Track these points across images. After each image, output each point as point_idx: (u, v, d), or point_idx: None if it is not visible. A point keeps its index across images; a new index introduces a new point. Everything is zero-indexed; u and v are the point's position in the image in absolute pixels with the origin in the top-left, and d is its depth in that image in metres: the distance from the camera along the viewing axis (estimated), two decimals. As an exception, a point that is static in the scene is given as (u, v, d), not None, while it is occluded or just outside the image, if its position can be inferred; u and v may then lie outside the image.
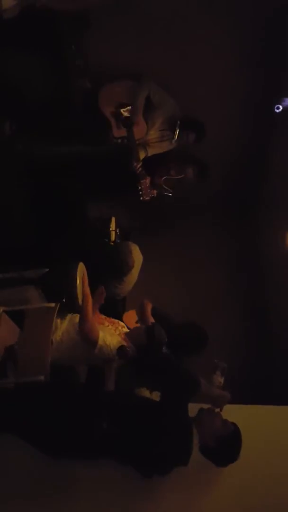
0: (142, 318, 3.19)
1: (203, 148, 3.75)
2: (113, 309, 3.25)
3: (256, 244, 4.25)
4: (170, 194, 3.65)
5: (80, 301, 2.81)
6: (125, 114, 3.41)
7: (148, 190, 3.47)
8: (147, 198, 3.49)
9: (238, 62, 3.48)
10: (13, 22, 2.87)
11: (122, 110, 3.41)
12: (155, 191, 3.56)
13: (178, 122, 3.57)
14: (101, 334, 2.60)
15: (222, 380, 2.67)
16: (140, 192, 3.46)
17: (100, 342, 2.58)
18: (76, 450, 2.22)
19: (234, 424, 2.25)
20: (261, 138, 3.82)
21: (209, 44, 3.41)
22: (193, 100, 3.64)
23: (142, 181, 3.44)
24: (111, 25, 3.27)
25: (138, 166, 3.45)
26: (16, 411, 2.31)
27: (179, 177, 3.66)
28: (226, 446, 2.20)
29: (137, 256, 3.40)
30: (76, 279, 2.79)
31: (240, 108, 3.68)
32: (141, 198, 3.48)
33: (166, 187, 3.62)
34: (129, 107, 3.43)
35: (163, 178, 3.60)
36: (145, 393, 2.34)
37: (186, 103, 3.60)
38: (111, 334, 2.72)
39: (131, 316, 3.31)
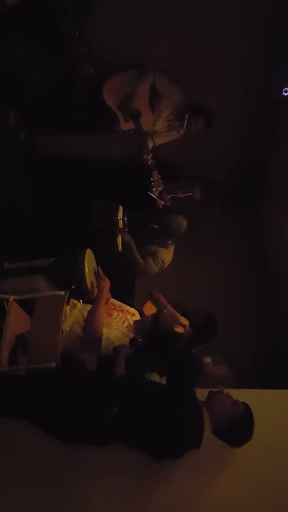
0: (159, 308, 3.18)
1: (209, 139, 3.71)
2: (121, 299, 3.24)
3: (265, 234, 4.21)
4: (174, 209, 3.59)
5: (89, 288, 2.81)
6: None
7: (160, 182, 3.43)
8: (160, 189, 3.45)
9: (244, 47, 3.42)
10: (16, 8, 2.85)
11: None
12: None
13: (187, 111, 3.53)
14: (105, 332, 2.60)
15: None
16: (152, 184, 3.42)
17: (103, 343, 2.59)
18: (87, 435, 2.23)
19: (245, 403, 2.25)
20: (268, 124, 3.76)
21: (215, 29, 3.35)
22: (199, 87, 3.59)
23: (154, 172, 3.40)
24: (115, 11, 3.23)
25: (149, 157, 3.41)
26: (28, 397, 2.32)
27: (186, 195, 3.61)
28: (239, 426, 2.20)
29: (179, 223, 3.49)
30: (84, 266, 2.79)
31: (247, 93, 3.63)
32: (153, 190, 3.44)
33: (171, 205, 3.58)
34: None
35: (169, 197, 3.56)
36: (155, 377, 2.34)
37: (192, 90, 3.57)
38: (117, 328, 2.71)
39: (150, 307, 3.31)
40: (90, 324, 2.62)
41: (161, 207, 3.48)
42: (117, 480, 2.34)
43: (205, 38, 3.36)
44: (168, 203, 3.52)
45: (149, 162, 3.40)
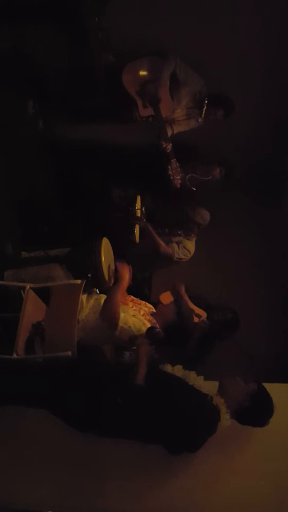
0: (177, 297, 3.14)
1: (227, 129, 3.64)
2: (139, 291, 3.21)
3: (285, 223, 4.12)
4: (194, 189, 3.55)
5: (106, 277, 2.78)
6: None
7: (179, 170, 3.39)
8: (178, 178, 3.41)
9: (266, 34, 3.33)
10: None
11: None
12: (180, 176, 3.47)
13: (206, 100, 3.47)
14: (122, 315, 2.56)
15: None
16: (170, 172, 3.38)
17: (120, 323, 2.54)
18: (95, 425, 2.21)
19: (256, 381, 2.25)
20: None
21: (237, 17, 3.27)
22: (220, 75, 3.51)
23: (172, 160, 3.36)
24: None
25: (168, 146, 3.36)
26: (44, 385, 2.30)
27: (206, 179, 3.57)
28: (259, 401, 2.19)
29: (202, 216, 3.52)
30: (100, 255, 2.76)
31: (268, 83, 3.53)
32: (171, 178, 3.40)
33: (190, 186, 3.53)
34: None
35: (189, 176, 3.51)
36: (168, 367, 2.30)
37: (212, 79, 3.49)
38: (134, 314, 2.68)
39: (167, 297, 3.28)
40: (107, 307, 2.58)
41: (178, 186, 3.41)
42: (134, 470, 2.31)
43: (226, 25, 3.29)
44: (188, 184, 3.45)
45: (168, 151, 3.34)
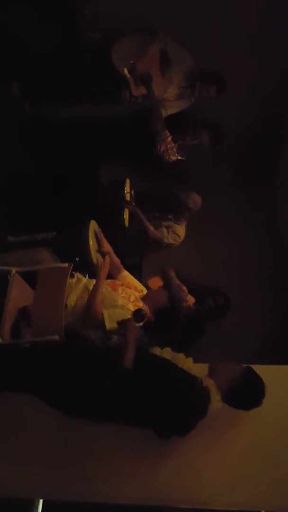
0: (168, 282, 3.10)
1: (219, 107, 3.58)
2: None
3: (276, 207, 4.08)
4: (184, 158, 3.49)
5: (94, 260, 2.72)
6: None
7: (174, 149, 3.33)
8: (174, 158, 3.35)
9: (258, 10, 3.24)
10: None
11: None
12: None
13: (198, 78, 3.41)
14: (106, 314, 2.49)
15: None
16: (163, 148, 3.31)
17: (107, 325, 2.48)
18: (83, 409, 2.17)
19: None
20: (283, 95, 3.60)
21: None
22: (210, 53, 3.43)
23: (167, 141, 3.30)
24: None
25: (163, 126, 3.30)
26: (31, 370, 2.26)
27: (194, 142, 3.52)
28: (250, 381, 2.16)
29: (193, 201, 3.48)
30: (88, 237, 2.70)
31: (261, 60, 3.45)
32: (166, 158, 3.34)
33: (180, 153, 3.47)
34: None
35: (178, 144, 3.45)
36: (156, 350, 2.26)
37: (203, 56, 3.41)
38: (122, 303, 2.62)
39: (155, 282, 3.23)
40: (89, 307, 2.52)
41: (171, 161, 3.35)
42: (123, 455, 2.27)
43: (217, 1, 3.19)
44: (178, 154, 3.39)
45: (169, 139, 3.29)
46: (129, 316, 2.49)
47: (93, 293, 2.55)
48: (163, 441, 2.18)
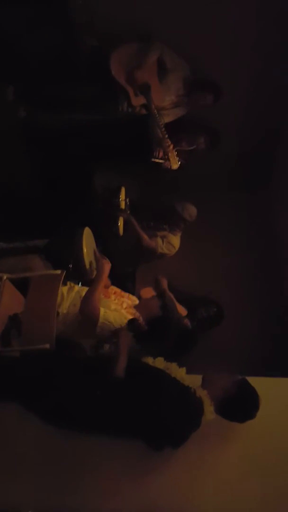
0: (159, 292, 3.07)
1: (215, 115, 3.58)
2: (122, 286, 3.12)
3: (271, 217, 4.08)
4: (184, 162, 3.49)
5: (88, 268, 2.68)
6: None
7: (176, 158, 3.35)
8: (176, 166, 3.37)
9: (255, 18, 3.25)
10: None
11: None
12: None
13: (194, 86, 3.44)
14: (102, 311, 2.47)
15: None
16: (165, 161, 3.34)
17: (101, 319, 2.45)
18: (77, 420, 2.11)
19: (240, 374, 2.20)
20: (278, 103, 3.61)
21: (225, 2, 3.18)
22: (207, 61, 3.44)
23: (169, 149, 3.32)
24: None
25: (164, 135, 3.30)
26: (20, 379, 2.20)
27: (191, 148, 3.51)
28: (244, 392, 2.12)
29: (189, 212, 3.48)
30: (82, 244, 2.66)
31: (257, 69, 3.47)
32: (168, 166, 3.37)
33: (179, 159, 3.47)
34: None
35: (175, 149, 3.44)
36: (149, 360, 2.21)
37: (199, 65, 3.43)
38: (115, 309, 2.61)
39: (148, 292, 3.20)
40: (86, 304, 2.49)
41: (176, 167, 3.37)
42: (114, 468, 2.21)
43: (214, 10, 3.18)
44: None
45: (170, 148, 3.30)
46: (124, 322, 2.47)
47: (91, 290, 2.52)
48: (155, 453, 2.13)
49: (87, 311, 2.46)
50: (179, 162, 3.36)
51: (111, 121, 3.44)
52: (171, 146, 3.31)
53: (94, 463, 2.22)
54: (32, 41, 3.08)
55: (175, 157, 3.33)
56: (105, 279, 2.65)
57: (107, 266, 2.66)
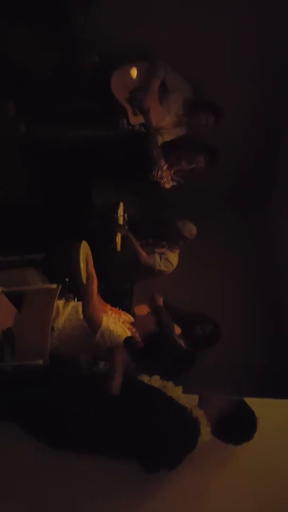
0: (157, 309, 3.03)
1: (215, 133, 3.60)
2: (119, 303, 3.09)
3: (269, 235, 4.07)
4: (181, 182, 3.49)
5: (84, 281, 2.65)
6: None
7: (170, 177, 3.34)
8: (168, 186, 3.36)
9: (254, 40, 3.30)
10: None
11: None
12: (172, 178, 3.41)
13: (196, 106, 3.45)
14: (104, 319, 2.47)
15: None
16: (159, 175, 3.32)
17: (103, 325, 2.44)
18: (70, 439, 2.05)
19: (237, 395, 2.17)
20: (277, 122, 3.64)
21: (228, 21, 3.22)
22: (208, 82, 3.46)
23: (162, 164, 3.31)
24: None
25: (163, 163, 3.31)
26: (13, 396, 2.14)
27: (190, 167, 3.52)
28: (241, 413, 2.08)
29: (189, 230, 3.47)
30: (79, 258, 2.63)
31: (256, 88, 3.50)
32: (162, 185, 3.35)
33: (177, 178, 3.47)
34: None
35: (174, 169, 3.45)
36: (145, 378, 2.16)
37: (201, 86, 3.45)
38: (114, 322, 2.58)
39: (142, 310, 3.17)
40: (89, 306, 2.48)
41: (167, 188, 3.35)
42: (109, 489, 2.14)
43: (217, 30, 3.23)
44: (174, 178, 3.40)
45: (164, 168, 3.30)
46: (124, 334, 2.44)
47: (90, 291, 2.50)
48: (149, 475, 2.06)
49: (90, 313, 2.45)
50: (173, 182, 3.36)
51: (110, 138, 3.46)
52: (165, 166, 3.30)
53: (85, 484, 2.15)
54: (34, 58, 3.11)
55: (169, 177, 3.32)
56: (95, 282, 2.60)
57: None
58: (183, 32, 3.25)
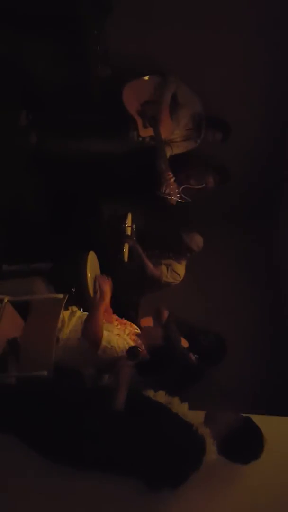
0: (161, 323, 3.00)
1: (224, 148, 3.60)
2: (125, 314, 3.06)
3: (277, 249, 4.03)
4: (190, 200, 3.48)
5: (91, 293, 2.63)
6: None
7: (177, 190, 3.33)
8: (174, 199, 3.34)
9: (268, 57, 3.33)
10: (33, 4, 2.78)
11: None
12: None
13: (205, 122, 3.46)
14: (105, 334, 2.41)
15: None
16: (166, 190, 3.32)
17: (104, 343, 2.39)
18: (73, 455, 2.00)
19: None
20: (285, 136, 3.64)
21: (239, 37, 3.25)
22: (219, 98, 3.49)
23: (170, 179, 3.30)
24: (135, 14, 3.15)
25: (170, 176, 3.30)
26: (15, 408, 2.10)
27: (200, 186, 3.50)
28: (248, 431, 2.03)
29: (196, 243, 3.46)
30: (86, 268, 2.61)
31: (266, 104, 3.52)
32: (168, 197, 3.34)
33: (185, 196, 3.46)
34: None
35: (182, 187, 3.45)
36: (150, 393, 2.12)
37: (211, 101, 3.47)
38: (118, 333, 2.54)
39: (148, 322, 3.13)
40: (89, 325, 2.42)
41: (174, 203, 3.35)
42: (111, 508, 2.09)
43: (229, 46, 3.27)
44: (182, 196, 3.39)
45: (171, 180, 3.29)
46: (125, 344, 2.38)
47: (93, 311, 2.45)
48: (153, 493, 2.01)
49: (89, 332, 2.39)
50: (179, 197, 3.35)
51: (121, 151, 3.46)
52: (172, 179, 3.29)
53: (86, 501, 2.10)
54: (47, 69, 3.13)
55: (176, 190, 3.31)
56: (108, 300, 2.58)
57: (108, 286, 2.59)
58: (194, 46, 3.28)
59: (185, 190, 3.43)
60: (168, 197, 3.32)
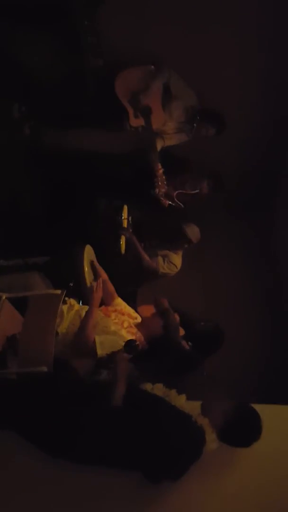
0: (162, 311, 3.00)
1: (219, 141, 3.58)
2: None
3: (275, 239, 4.05)
4: (182, 206, 3.47)
5: (88, 285, 2.64)
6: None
7: (164, 183, 3.30)
8: (163, 190, 3.33)
9: (263, 54, 3.30)
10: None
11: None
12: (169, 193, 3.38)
13: (197, 116, 3.43)
14: (98, 341, 2.41)
15: None
16: (155, 184, 3.29)
17: (99, 352, 2.39)
18: (71, 449, 2.02)
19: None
20: (281, 131, 3.62)
21: (234, 29, 3.22)
22: (213, 92, 3.46)
23: (160, 182, 3.29)
24: (127, 3, 3.11)
25: (159, 167, 3.28)
26: (14, 403, 2.12)
27: (194, 192, 3.49)
28: (246, 412, 2.06)
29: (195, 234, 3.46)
30: (83, 261, 2.62)
31: (261, 99, 3.51)
32: (157, 191, 3.32)
33: (178, 202, 3.46)
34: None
35: (176, 192, 3.44)
36: (148, 386, 2.14)
37: (206, 94, 3.45)
38: (115, 330, 2.55)
39: (147, 310, 3.14)
40: (81, 332, 2.45)
41: (166, 206, 3.36)
42: (111, 500, 2.11)
43: (223, 38, 3.25)
44: (176, 200, 3.39)
45: (159, 172, 3.27)
46: (122, 343, 2.40)
47: (85, 318, 2.47)
48: (153, 485, 2.04)
49: (81, 341, 2.41)
50: (172, 203, 3.35)
51: (116, 142, 3.44)
52: (161, 171, 3.27)
53: (87, 495, 2.12)
54: (39, 60, 3.09)
55: (164, 183, 3.29)
56: (97, 304, 2.58)
57: (98, 291, 2.59)
58: (188, 38, 3.25)
59: (179, 195, 3.42)
60: (161, 198, 3.31)
